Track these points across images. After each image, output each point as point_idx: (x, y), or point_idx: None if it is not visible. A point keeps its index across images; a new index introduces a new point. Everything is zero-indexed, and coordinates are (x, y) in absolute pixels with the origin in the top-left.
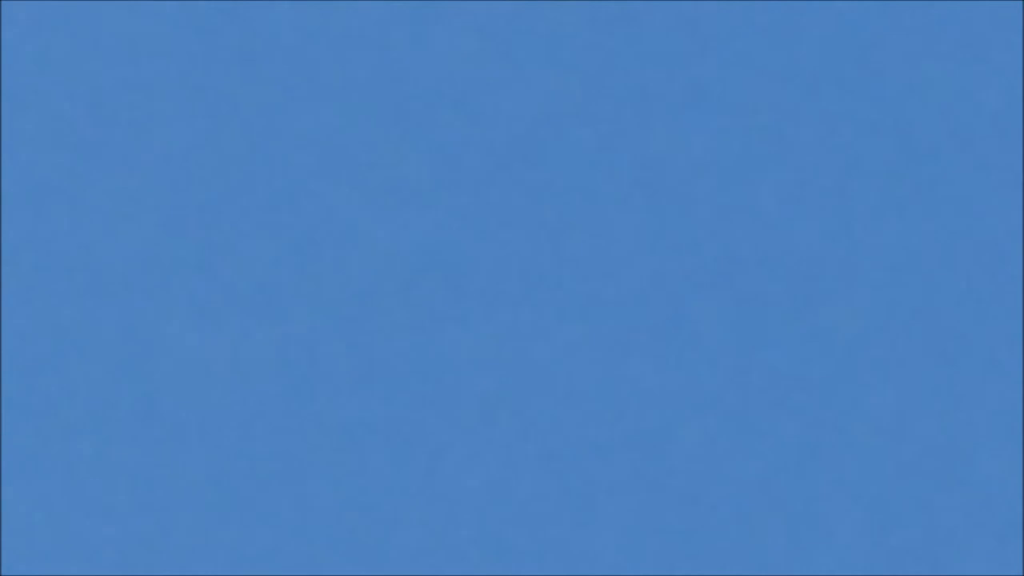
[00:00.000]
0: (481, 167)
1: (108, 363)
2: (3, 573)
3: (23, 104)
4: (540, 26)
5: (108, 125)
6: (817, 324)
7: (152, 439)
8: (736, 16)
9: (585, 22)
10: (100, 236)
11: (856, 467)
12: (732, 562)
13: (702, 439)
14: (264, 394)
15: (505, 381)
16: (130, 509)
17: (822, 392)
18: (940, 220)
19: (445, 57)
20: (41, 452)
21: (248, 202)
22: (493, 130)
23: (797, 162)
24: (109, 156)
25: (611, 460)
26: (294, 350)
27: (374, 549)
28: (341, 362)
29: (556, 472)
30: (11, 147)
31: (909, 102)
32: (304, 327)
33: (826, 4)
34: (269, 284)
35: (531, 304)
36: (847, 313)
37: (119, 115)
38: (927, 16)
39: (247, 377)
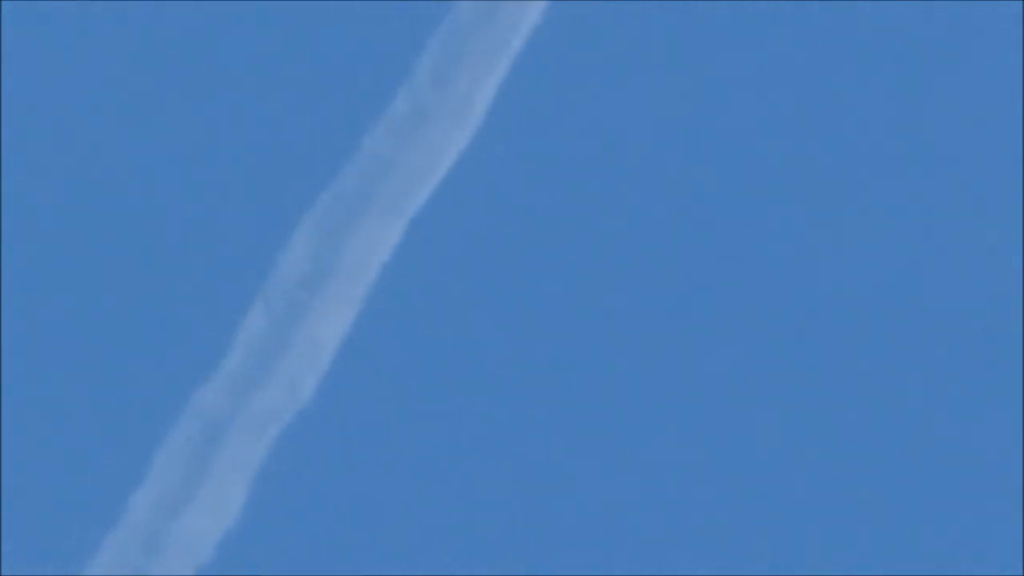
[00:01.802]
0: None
1: (109, 363)
2: (3, 573)
3: (23, 104)
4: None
5: (108, 125)
6: (815, 324)
7: (157, 438)
8: (737, 16)
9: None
10: (101, 234)
11: (855, 467)
12: (732, 562)
13: (702, 439)
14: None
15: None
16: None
17: (821, 392)
18: (940, 220)
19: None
20: (41, 452)
21: (248, 200)
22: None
23: (796, 162)
24: (109, 156)
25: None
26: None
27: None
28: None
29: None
30: (11, 147)
31: (909, 102)
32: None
33: (826, 4)
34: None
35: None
36: (846, 313)
37: (119, 115)
38: (927, 16)
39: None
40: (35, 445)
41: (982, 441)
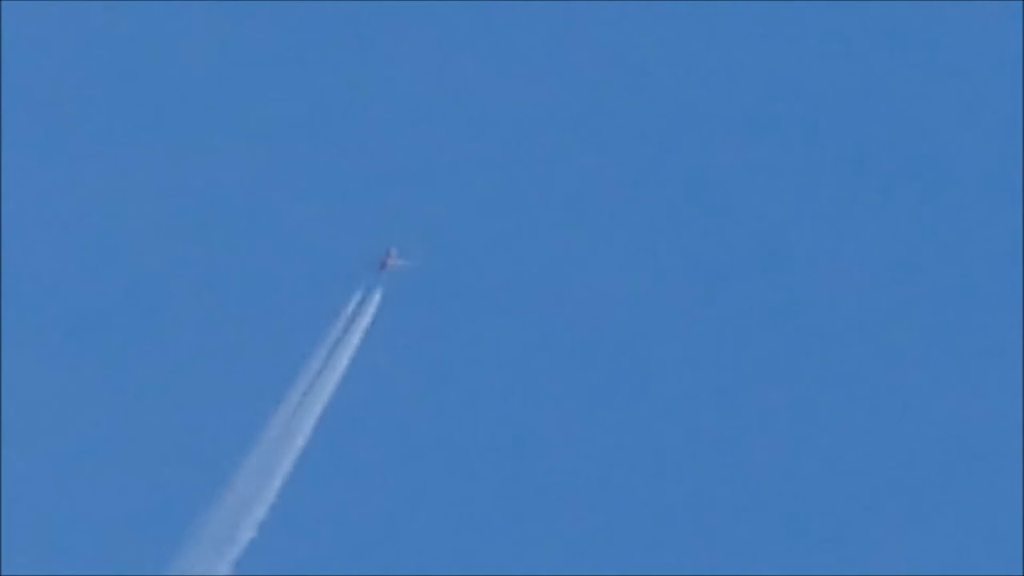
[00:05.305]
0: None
1: (110, 364)
2: (3, 573)
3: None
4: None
5: (110, 124)
6: (816, 327)
7: (153, 439)
8: (738, 17)
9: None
10: (102, 238)
11: (855, 468)
12: (732, 562)
13: (704, 440)
14: (252, 396)
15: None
16: (128, 509)
17: (821, 392)
18: (940, 220)
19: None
20: (42, 452)
21: (250, 200)
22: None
23: (797, 163)
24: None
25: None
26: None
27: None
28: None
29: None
30: (11, 147)
31: (909, 102)
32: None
33: (827, 4)
34: (271, 286)
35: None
36: (846, 313)
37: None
38: (927, 16)
39: (240, 379)
40: None
41: (982, 441)
